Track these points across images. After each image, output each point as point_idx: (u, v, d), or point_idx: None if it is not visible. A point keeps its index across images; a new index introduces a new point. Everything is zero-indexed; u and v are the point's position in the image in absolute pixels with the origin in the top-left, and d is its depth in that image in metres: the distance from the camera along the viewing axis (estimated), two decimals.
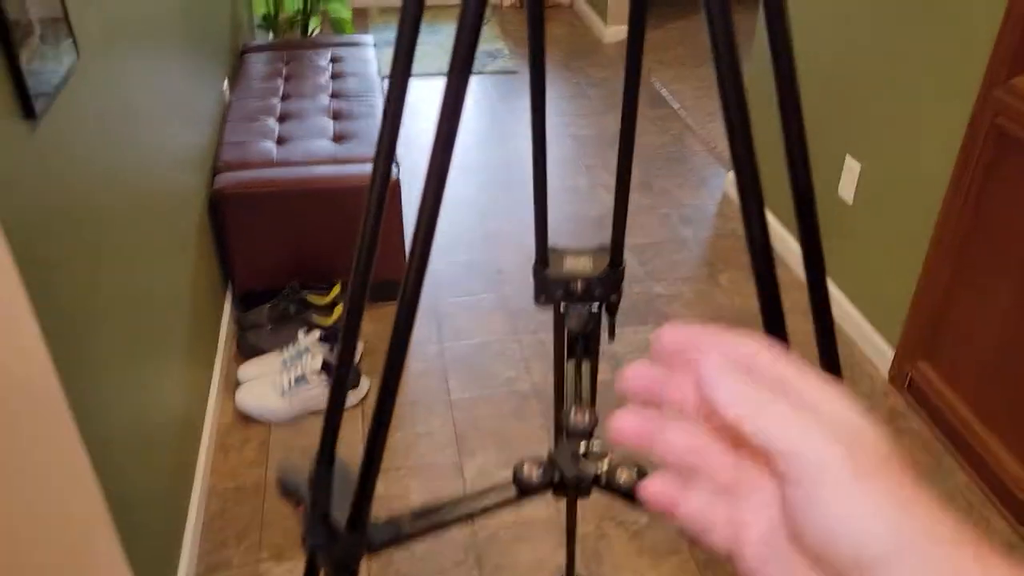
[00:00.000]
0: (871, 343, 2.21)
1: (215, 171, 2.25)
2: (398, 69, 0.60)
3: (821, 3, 2.29)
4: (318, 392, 2.05)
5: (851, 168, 2.24)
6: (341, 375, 0.71)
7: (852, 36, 2.20)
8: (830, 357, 0.69)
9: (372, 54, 3.06)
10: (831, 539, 0.26)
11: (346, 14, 3.42)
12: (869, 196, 2.20)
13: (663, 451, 0.33)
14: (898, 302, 2.08)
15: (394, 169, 2.35)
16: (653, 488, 0.33)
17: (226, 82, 2.71)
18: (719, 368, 0.29)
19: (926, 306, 1.99)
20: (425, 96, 3.73)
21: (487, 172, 3.12)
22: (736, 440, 0.31)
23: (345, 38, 3.17)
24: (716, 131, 3.37)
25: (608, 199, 2.92)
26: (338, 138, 2.46)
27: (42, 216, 1.11)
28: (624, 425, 0.33)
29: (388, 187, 0.65)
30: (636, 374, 0.34)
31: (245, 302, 2.32)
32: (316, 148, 2.37)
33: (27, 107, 1.08)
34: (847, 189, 2.26)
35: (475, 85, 3.89)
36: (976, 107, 1.76)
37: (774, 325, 0.59)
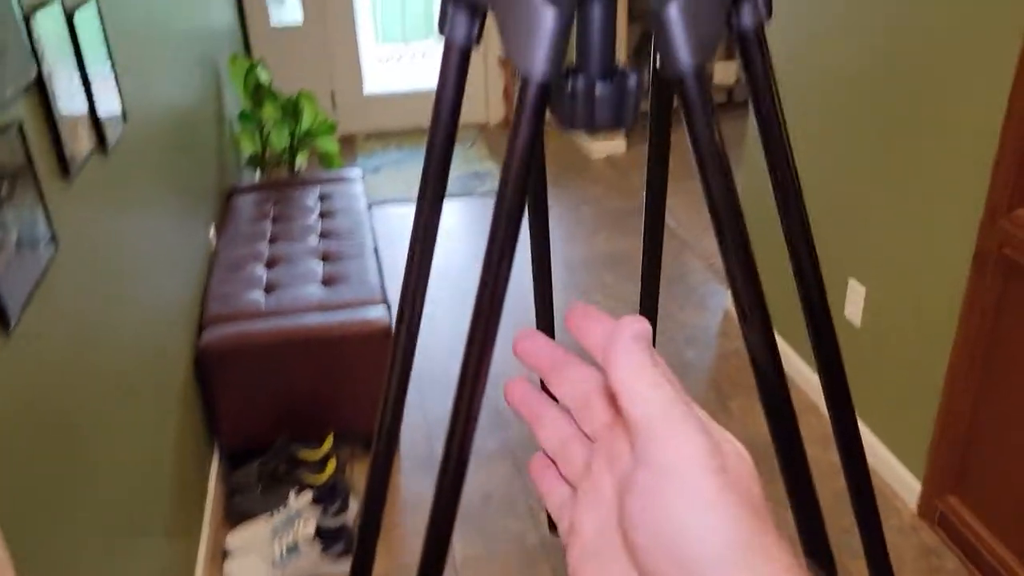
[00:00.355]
0: (895, 475, 2.10)
1: (201, 326, 2.18)
2: (424, 209, 0.56)
3: (819, 123, 2.27)
4: (312, 561, 1.92)
5: (856, 290, 2.18)
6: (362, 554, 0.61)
7: (853, 158, 2.18)
8: (863, 494, 0.60)
9: (360, 188, 3.03)
10: (670, 531, 0.26)
11: (333, 148, 3.43)
12: (878, 319, 2.12)
13: (537, 429, 0.35)
14: (921, 430, 1.98)
15: (385, 312, 2.29)
16: (532, 461, 0.36)
17: (212, 228, 2.67)
18: (634, 339, 0.28)
19: (951, 436, 1.89)
20: (409, 222, 3.71)
21: None
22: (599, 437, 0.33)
23: (332, 173, 3.16)
24: (712, 246, 3.33)
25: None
26: (328, 281, 2.40)
27: (12, 417, 1.02)
28: (515, 388, 0.36)
29: (414, 336, 0.61)
30: (531, 346, 0.35)
31: (233, 460, 2.21)
32: (305, 295, 2.31)
33: (1, 319, 1.01)
34: (853, 312, 2.19)
35: (464, 208, 3.88)
36: (981, 237, 1.71)
37: (792, 463, 0.52)
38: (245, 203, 2.93)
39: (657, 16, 0.39)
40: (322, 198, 2.97)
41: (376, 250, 2.61)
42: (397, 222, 3.71)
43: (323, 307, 2.26)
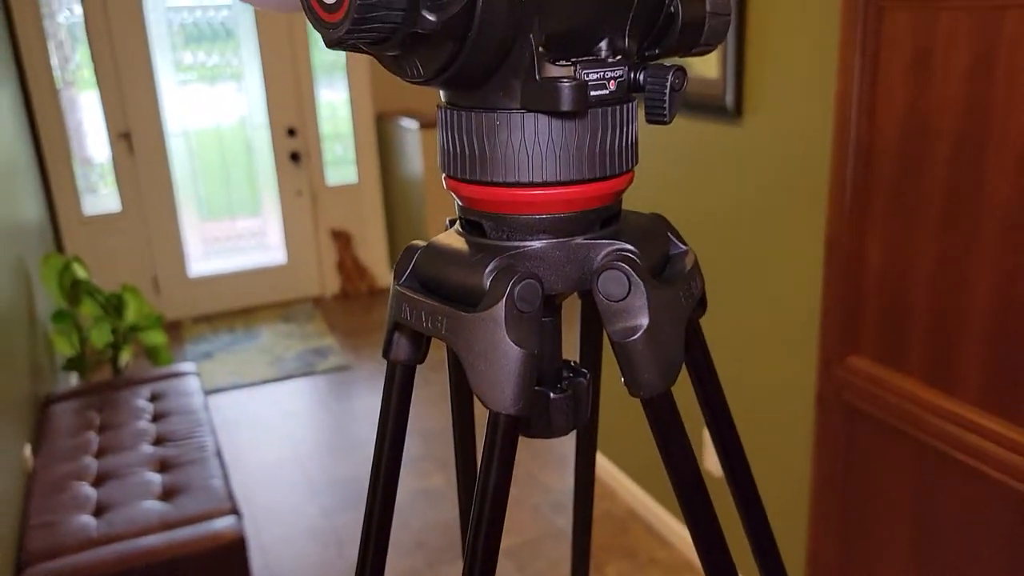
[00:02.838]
0: None
1: (19, 566, 1.91)
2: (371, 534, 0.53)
3: None
4: None
5: (711, 442, 2.23)
6: None
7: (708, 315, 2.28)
8: None
9: (195, 384, 2.85)
10: None
11: (160, 340, 3.23)
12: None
13: None
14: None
15: (235, 522, 2.11)
16: None
17: (28, 447, 2.40)
18: None
19: None
20: (251, 407, 3.53)
21: (334, 491, 2.89)
22: None
23: (163, 370, 2.96)
24: None
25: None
26: (168, 494, 2.19)
27: None
28: None
29: None
30: None
31: None
32: (143, 513, 2.09)
33: None
34: (712, 463, 2.24)
35: (306, 388, 3.74)
36: (819, 383, 1.81)
37: None
38: (64, 412, 2.67)
39: (623, 347, 0.40)
40: (153, 398, 2.76)
41: (219, 452, 2.43)
42: (234, 410, 3.51)
43: (164, 525, 2.05)
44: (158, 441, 2.47)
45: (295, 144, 4.65)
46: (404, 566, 2.45)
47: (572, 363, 0.48)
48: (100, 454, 2.40)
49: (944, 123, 1.39)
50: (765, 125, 1.91)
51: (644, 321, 0.42)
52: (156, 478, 2.26)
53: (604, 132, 0.40)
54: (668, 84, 0.40)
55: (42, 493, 2.18)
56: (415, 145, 4.23)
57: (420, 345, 0.50)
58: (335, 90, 4.74)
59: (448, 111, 0.43)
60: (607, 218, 0.45)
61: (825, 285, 1.75)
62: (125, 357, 3.18)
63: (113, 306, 3.09)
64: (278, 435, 3.30)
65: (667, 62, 0.41)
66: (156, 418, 2.62)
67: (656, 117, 0.41)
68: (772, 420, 2.02)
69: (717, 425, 0.54)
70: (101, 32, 4.14)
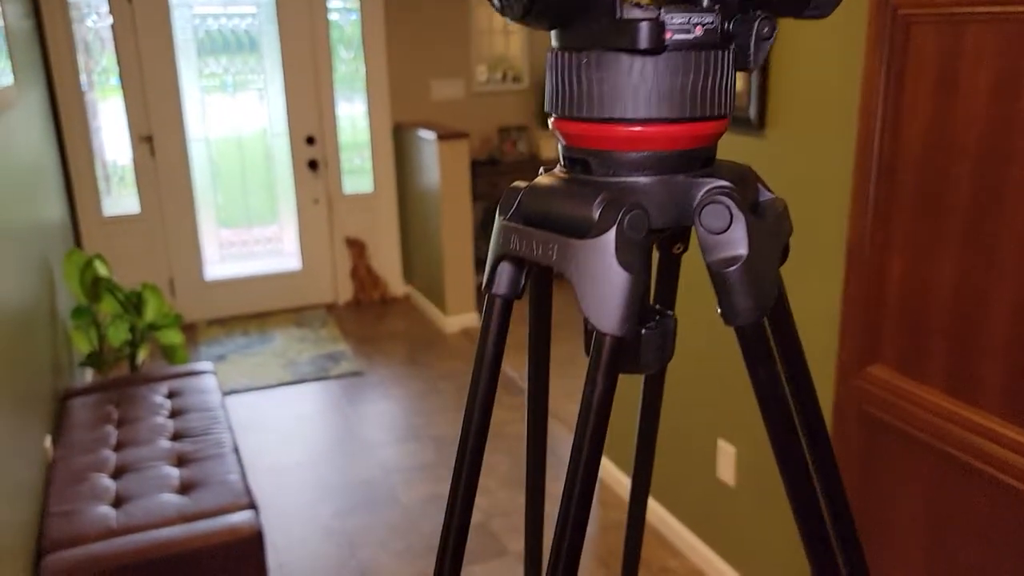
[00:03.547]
0: None
1: (40, 553, 1.93)
2: (464, 465, 0.60)
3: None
4: None
5: (726, 451, 2.25)
6: None
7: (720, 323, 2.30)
8: None
9: (213, 383, 2.88)
10: None
11: (178, 339, 3.26)
12: (751, 478, 2.19)
13: None
14: None
15: (252, 517, 2.12)
16: None
17: (48, 438, 2.42)
18: None
19: None
20: (264, 410, 3.55)
21: (348, 494, 2.91)
22: None
23: (180, 368, 2.99)
24: (574, 410, 3.37)
25: (485, 502, 2.80)
26: (185, 488, 2.21)
27: None
28: None
29: None
30: None
31: None
32: (161, 505, 2.11)
33: None
34: (726, 472, 2.26)
35: (320, 392, 3.76)
36: (837, 395, 1.83)
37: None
38: (84, 406, 2.70)
39: (723, 276, 0.42)
40: (171, 395, 2.79)
41: (236, 448, 2.46)
42: (248, 412, 3.54)
43: (182, 518, 2.07)
44: (176, 437, 2.49)
45: (313, 152, 4.70)
46: (416, 569, 2.46)
47: (656, 305, 0.50)
48: (119, 448, 2.43)
49: (968, 139, 1.42)
50: (787, 138, 1.94)
51: (743, 251, 0.44)
52: (174, 472, 2.28)
53: (698, 75, 0.43)
54: (754, 31, 0.43)
55: (62, 483, 2.20)
56: (432, 156, 4.28)
57: (519, 281, 0.52)
58: (354, 102, 4.80)
59: (558, 54, 0.46)
60: (705, 159, 0.48)
61: (845, 295, 1.77)
62: (142, 355, 3.22)
63: (133, 304, 3.12)
64: (291, 438, 3.32)
65: (761, 14, 0.44)
66: (174, 414, 2.65)
67: (742, 64, 0.44)
68: None
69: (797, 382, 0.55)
70: (128, 36, 4.21)
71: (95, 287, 3.06)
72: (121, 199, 4.48)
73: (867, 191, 1.65)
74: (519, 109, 5.09)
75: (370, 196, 4.90)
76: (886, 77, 1.56)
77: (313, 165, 4.70)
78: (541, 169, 0.51)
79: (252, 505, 2.17)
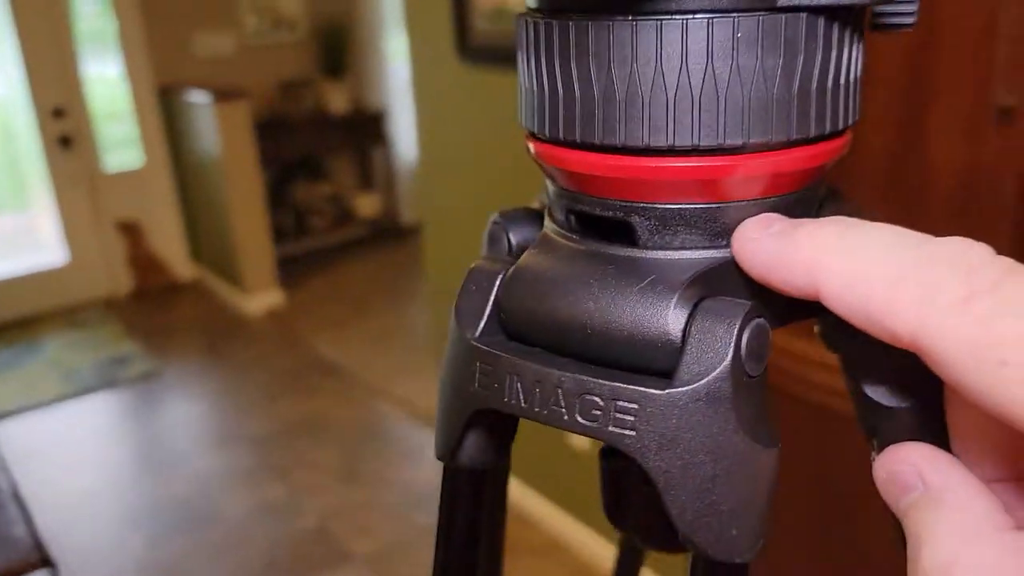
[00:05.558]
0: None
1: None
2: None
3: None
4: None
5: None
6: None
7: None
8: None
9: None
10: None
11: None
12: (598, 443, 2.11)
13: None
14: None
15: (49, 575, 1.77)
16: None
17: None
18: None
19: None
20: (44, 434, 3.06)
21: (160, 517, 2.56)
22: None
23: None
24: (406, 386, 3.17)
25: (320, 502, 2.55)
26: None
27: None
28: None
29: None
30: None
31: None
32: None
33: None
34: (576, 437, 2.16)
35: (110, 402, 3.31)
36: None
37: None
38: None
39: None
40: None
41: (16, 492, 2.05)
42: (24, 439, 3.04)
43: None
44: None
45: (64, 126, 4.08)
46: None
47: None
48: None
49: None
50: None
51: None
52: None
53: (826, 54, 0.23)
54: None
55: None
56: (208, 120, 3.83)
57: (499, 441, 0.31)
58: (108, 64, 4.20)
59: (552, 25, 0.24)
60: (824, 196, 0.28)
61: None
62: None
63: None
64: (83, 462, 2.88)
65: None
66: None
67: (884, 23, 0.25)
68: None
69: None
70: None
71: None
72: None
73: None
74: (299, 61, 4.68)
75: (140, 172, 4.34)
76: None
77: (66, 142, 4.09)
78: (491, 221, 0.30)
79: (47, 561, 1.81)
